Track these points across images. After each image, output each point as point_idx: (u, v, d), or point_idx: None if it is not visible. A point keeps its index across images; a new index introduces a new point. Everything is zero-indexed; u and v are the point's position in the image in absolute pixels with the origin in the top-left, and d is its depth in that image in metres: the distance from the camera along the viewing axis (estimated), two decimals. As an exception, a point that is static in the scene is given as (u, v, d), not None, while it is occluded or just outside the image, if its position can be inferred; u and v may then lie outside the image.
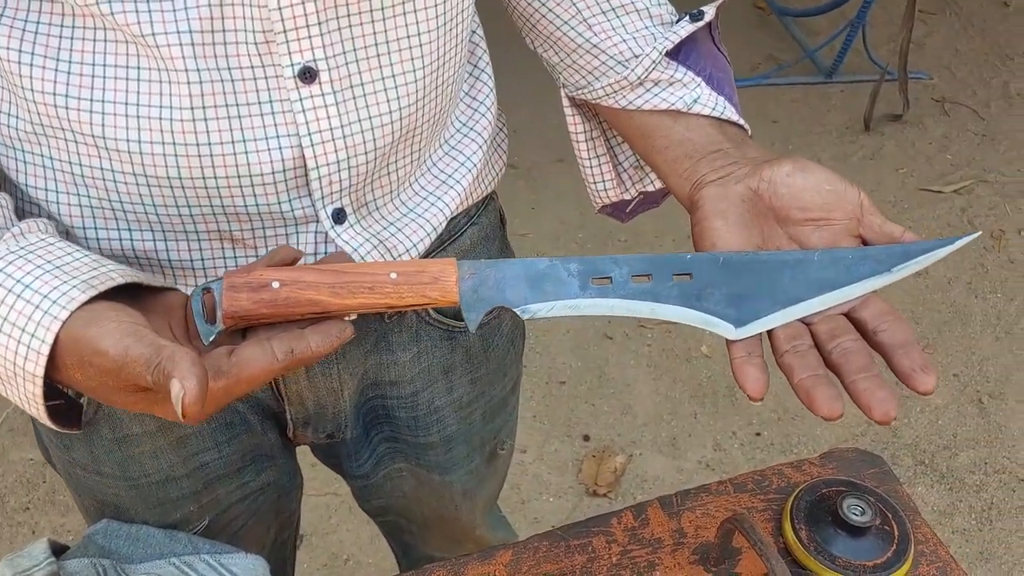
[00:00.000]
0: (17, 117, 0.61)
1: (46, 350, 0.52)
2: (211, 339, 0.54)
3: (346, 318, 0.57)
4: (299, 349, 0.53)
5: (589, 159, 0.80)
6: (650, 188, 0.83)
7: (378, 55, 0.62)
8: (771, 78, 3.34)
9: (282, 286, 0.54)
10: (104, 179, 0.61)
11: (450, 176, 0.75)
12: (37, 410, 0.54)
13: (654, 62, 0.70)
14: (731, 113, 0.71)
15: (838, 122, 3.21)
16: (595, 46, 0.72)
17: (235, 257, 0.67)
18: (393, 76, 0.63)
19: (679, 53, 0.72)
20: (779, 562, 0.67)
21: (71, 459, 0.77)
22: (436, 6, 0.63)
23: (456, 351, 0.85)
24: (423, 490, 0.97)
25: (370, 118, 0.63)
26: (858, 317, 0.59)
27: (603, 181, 0.81)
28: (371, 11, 0.60)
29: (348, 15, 0.60)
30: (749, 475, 0.86)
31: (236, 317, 0.54)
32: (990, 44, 3.59)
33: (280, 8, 0.56)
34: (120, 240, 0.65)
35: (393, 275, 0.55)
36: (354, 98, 0.62)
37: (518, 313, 0.58)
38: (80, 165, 0.61)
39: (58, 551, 0.75)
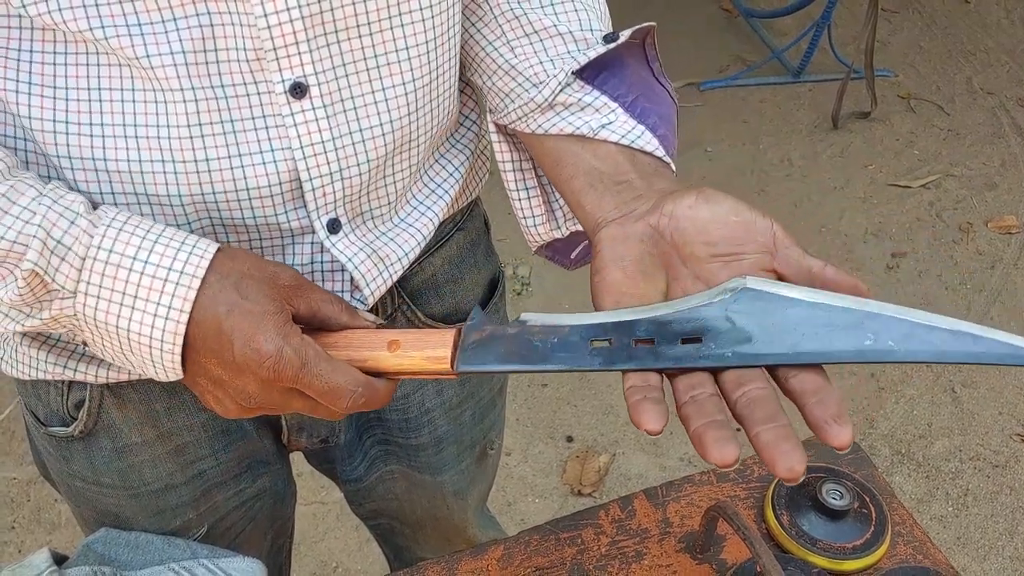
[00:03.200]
0: (15, 138, 0.63)
1: (210, 255, 0.57)
2: None
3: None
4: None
5: (517, 191, 0.75)
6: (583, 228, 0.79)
7: (367, 69, 0.64)
8: (740, 79, 3.39)
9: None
10: (103, 201, 0.62)
11: (439, 186, 0.77)
12: (176, 327, 0.56)
13: (560, 84, 0.67)
14: (645, 142, 0.66)
15: (807, 121, 3.26)
16: (513, 67, 0.70)
17: None
18: (384, 90, 0.65)
19: (597, 78, 0.68)
20: (762, 546, 0.70)
21: (70, 471, 0.79)
22: (424, 21, 0.64)
23: None
24: (415, 491, 0.98)
25: (361, 131, 0.65)
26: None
27: (532, 216, 0.76)
28: (358, 26, 0.62)
29: (336, 31, 0.61)
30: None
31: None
32: (953, 41, 3.65)
33: (269, 27, 0.58)
34: None
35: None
36: (344, 111, 0.64)
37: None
38: (89, 194, 0.62)
39: (58, 561, 0.76)
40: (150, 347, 0.56)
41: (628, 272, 0.59)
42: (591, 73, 0.68)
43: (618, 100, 0.67)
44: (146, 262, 0.56)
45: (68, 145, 0.60)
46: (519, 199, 0.76)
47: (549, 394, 2.24)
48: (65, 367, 0.69)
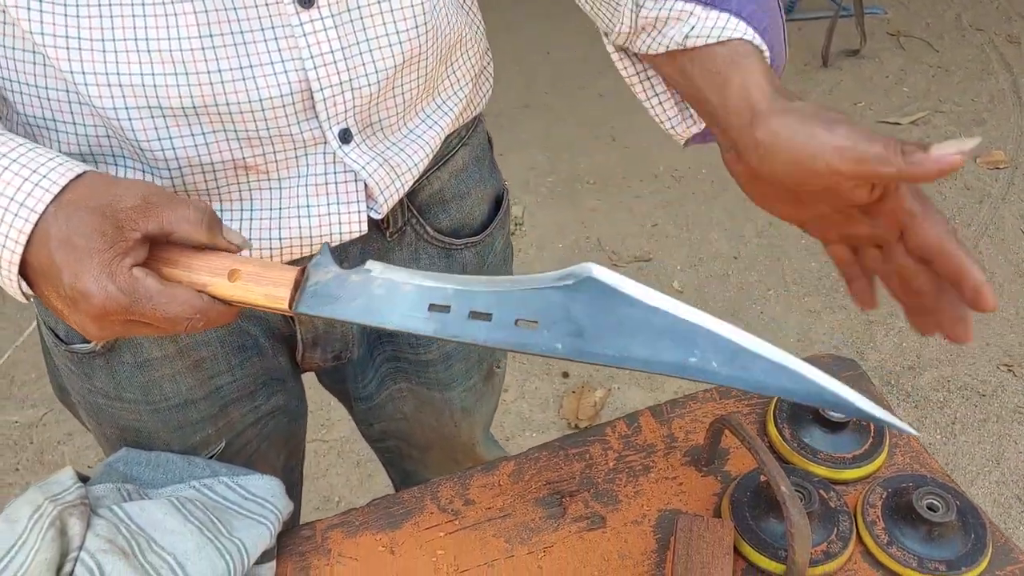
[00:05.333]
0: (23, 61, 0.63)
1: (56, 188, 0.55)
2: None
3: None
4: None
5: (648, 99, 0.76)
6: None
7: None
8: (730, 18, 3.36)
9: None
10: (119, 119, 0.63)
11: (445, 101, 0.79)
12: (13, 251, 0.55)
13: (631, 9, 0.68)
14: (731, 31, 0.65)
15: (797, 59, 3.25)
16: None
17: (248, 182, 0.69)
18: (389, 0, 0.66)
19: None
20: (767, 454, 0.72)
21: (92, 387, 0.80)
22: None
23: (453, 268, 0.88)
24: (424, 409, 1.00)
25: (368, 40, 0.66)
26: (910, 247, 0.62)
27: (669, 119, 0.77)
28: None
29: None
30: (734, 382, 0.91)
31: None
32: (942, -23, 3.64)
33: None
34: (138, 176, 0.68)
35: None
36: (351, 21, 0.65)
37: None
38: (103, 109, 0.63)
39: (81, 479, 0.78)
40: None
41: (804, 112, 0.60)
42: None
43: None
44: None
45: (81, 61, 0.60)
46: (652, 106, 0.77)
47: (544, 332, 2.26)
48: None
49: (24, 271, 0.57)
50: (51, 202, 0.55)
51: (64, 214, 0.55)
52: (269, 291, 0.58)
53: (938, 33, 3.35)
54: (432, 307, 0.56)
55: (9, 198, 0.55)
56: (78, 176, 0.56)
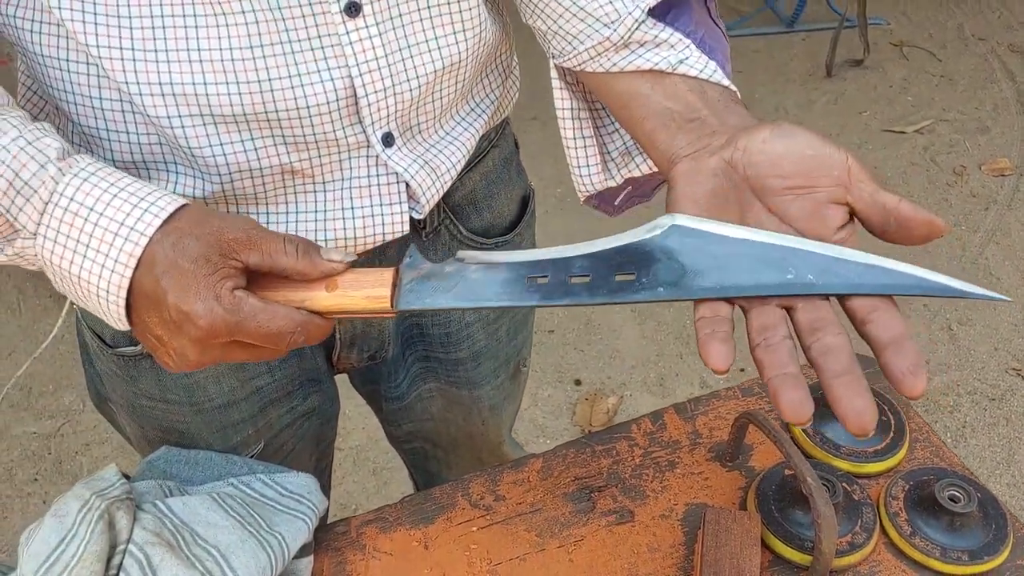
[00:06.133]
0: (78, 72, 0.65)
1: (164, 215, 0.57)
2: None
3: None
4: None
5: (574, 139, 0.76)
6: (636, 173, 0.79)
7: None
8: (734, 29, 3.40)
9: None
10: (171, 127, 0.65)
11: (479, 104, 0.82)
12: (121, 277, 0.57)
13: (637, 20, 0.67)
14: (720, 77, 0.66)
15: (801, 70, 3.28)
16: (581, 8, 0.69)
17: (294, 186, 0.71)
18: (429, 7, 0.68)
19: (667, 15, 0.69)
20: (792, 447, 0.74)
21: (137, 390, 0.82)
22: None
23: None
24: (452, 409, 1.02)
25: (409, 47, 0.69)
26: (846, 304, 0.54)
27: (587, 166, 0.77)
28: None
29: None
30: (755, 380, 0.92)
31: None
32: (944, -12, 3.68)
33: None
34: (185, 186, 0.70)
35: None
36: (394, 29, 0.67)
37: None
38: (157, 118, 0.65)
39: (124, 477, 0.80)
40: (98, 295, 0.58)
41: (702, 206, 0.59)
42: (660, 11, 0.69)
43: (690, 36, 0.68)
44: (101, 214, 0.57)
45: (136, 72, 0.63)
46: (575, 147, 0.77)
47: (556, 340, 2.28)
48: None
49: (127, 297, 0.58)
50: (159, 227, 0.57)
51: (170, 241, 0.57)
52: (369, 293, 0.59)
53: (941, 43, 3.39)
54: (530, 280, 0.58)
55: (119, 223, 0.57)
56: (182, 206, 0.58)
